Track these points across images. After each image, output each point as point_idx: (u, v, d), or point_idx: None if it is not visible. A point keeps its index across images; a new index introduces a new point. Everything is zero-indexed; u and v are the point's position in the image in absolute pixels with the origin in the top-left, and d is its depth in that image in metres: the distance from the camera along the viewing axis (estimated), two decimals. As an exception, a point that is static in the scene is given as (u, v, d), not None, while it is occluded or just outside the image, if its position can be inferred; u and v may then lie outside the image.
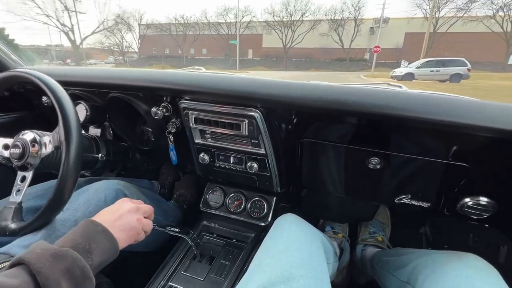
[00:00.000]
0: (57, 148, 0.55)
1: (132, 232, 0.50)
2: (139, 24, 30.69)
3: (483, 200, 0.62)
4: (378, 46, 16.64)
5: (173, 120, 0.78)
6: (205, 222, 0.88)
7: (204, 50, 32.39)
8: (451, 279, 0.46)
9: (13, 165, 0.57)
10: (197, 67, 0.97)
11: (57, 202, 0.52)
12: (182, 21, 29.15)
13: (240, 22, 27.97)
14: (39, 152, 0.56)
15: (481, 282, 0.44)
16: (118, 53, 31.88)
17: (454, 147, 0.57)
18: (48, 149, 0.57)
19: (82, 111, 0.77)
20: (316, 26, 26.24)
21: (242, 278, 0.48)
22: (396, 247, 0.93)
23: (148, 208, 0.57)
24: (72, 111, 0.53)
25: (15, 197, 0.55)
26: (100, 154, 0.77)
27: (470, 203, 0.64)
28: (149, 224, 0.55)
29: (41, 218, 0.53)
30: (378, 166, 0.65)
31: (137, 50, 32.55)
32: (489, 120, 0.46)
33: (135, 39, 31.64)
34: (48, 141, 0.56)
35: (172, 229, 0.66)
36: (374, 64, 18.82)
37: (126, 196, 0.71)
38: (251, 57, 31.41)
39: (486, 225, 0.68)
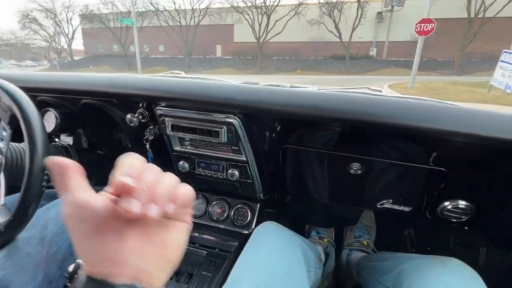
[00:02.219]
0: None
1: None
2: (66, 12, 23.52)
3: (462, 203, 0.63)
4: (431, 21, 7.49)
5: (151, 127, 0.75)
6: None
7: (161, 47, 25.00)
8: (436, 285, 0.45)
9: None
10: (176, 71, 0.94)
11: (19, 218, 0.48)
12: (124, 10, 21.74)
13: (199, 9, 20.76)
14: (1, 161, 0.52)
15: None
16: (54, 52, 25.92)
17: (434, 153, 0.57)
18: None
19: (51, 118, 0.72)
20: (302, 11, 18.60)
21: None
22: (381, 249, 0.93)
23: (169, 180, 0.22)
24: (35, 115, 0.49)
25: None
26: None
27: (449, 207, 0.64)
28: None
29: (1, 236, 0.49)
30: (359, 172, 0.65)
31: (67, 47, 25.23)
32: (466, 126, 0.46)
33: (64, 35, 24.56)
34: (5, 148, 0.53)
35: None
36: (417, 66, 8.38)
37: None
38: (219, 55, 23.70)
39: (466, 228, 0.69)
